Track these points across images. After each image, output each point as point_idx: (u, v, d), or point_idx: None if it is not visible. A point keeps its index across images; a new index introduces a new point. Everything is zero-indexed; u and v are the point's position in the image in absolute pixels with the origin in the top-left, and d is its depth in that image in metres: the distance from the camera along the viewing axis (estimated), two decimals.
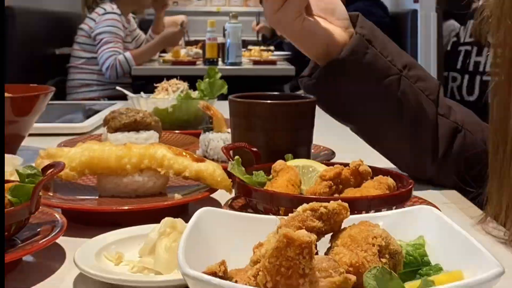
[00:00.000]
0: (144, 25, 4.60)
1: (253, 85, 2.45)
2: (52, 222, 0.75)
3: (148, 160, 0.92)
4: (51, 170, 0.73)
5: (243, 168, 0.83)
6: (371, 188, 0.78)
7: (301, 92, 1.15)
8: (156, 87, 1.67)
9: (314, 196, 0.76)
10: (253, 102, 1.00)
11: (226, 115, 1.19)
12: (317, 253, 0.54)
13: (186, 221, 0.69)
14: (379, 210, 0.72)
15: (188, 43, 5.05)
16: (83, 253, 0.68)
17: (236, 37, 3.85)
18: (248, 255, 0.55)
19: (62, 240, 0.77)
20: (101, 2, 3.86)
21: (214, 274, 0.49)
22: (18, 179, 0.74)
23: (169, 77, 1.71)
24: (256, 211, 0.80)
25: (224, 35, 4.10)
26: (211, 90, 1.57)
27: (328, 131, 1.27)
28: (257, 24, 5.43)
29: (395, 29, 3.45)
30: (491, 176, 0.83)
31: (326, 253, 0.57)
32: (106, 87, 3.79)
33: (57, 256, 0.75)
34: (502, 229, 0.82)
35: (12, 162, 0.97)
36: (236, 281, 0.50)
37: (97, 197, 0.94)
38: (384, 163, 1.09)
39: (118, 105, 2.02)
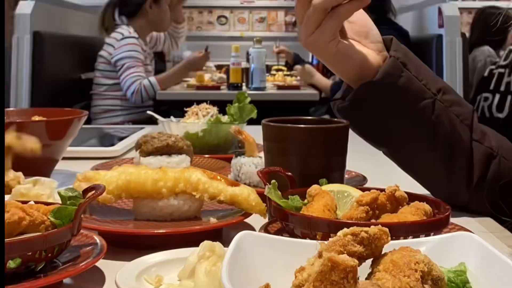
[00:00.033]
0: None
1: (278, 109, 2.46)
2: (91, 244, 0.76)
3: (183, 184, 0.93)
4: (92, 192, 0.74)
5: (280, 193, 0.84)
6: (408, 214, 0.78)
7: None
8: (186, 112, 1.68)
9: (352, 221, 0.76)
10: (288, 126, 1.01)
11: (256, 139, 1.20)
12: (358, 279, 0.54)
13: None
14: (417, 236, 0.72)
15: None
16: (124, 275, 0.68)
17: (260, 62, 3.87)
18: (289, 279, 0.55)
19: (100, 263, 0.77)
20: (117, 26, 3.82)
21: None
22: (56, 202, 0.75)
23: (197, 102, 1.72)
24: (293, 235, 0.80)
25: (247, 60, 4.13)
26: (240, 115, 1.58)
27: (358, 156, 1.27)
28: (276, 47, 5.43)
29: (419, 54, 3.44)
30: None
31: (367, 278, 0.57)
32: (130, 112, 3.81)
33: (96, 278, 0.76)
34: None
35: (49, 185, 0.98)
36: None
37: (133, 220, 0.95)
38: (415, 189, 1.08)
39: (147, 129, 2.03)
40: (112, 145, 1.71)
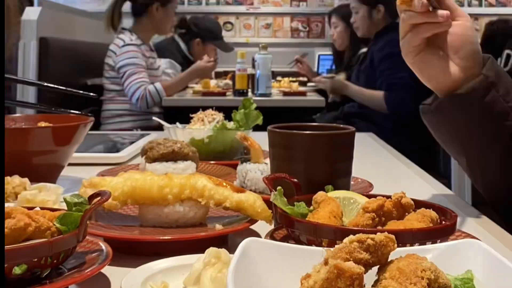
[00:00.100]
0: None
1: (283, 116, 2.46)
2: (97, 251, 0.76)
3: (189, 190, 0.93)
4: (97, 199, 0.74)
5: (285, 199, 0.84)
6: (414, 220, 0.78)
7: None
8: (191, 118, 1.68)
9: (358, 228, 0.76)
10: (294, 133, 1.01)
11: (262, 145, 1.20)
12: (364, 286, 0.54)
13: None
14: (424, 243, 0.72)
15: (217, 75, 5.09)
16: (130, 282, 0.68)
17: (266, 68, 3.87)
18: (295, 286, 0.55)
19: (106, 269, 0.77)
20: (122, 30, 3.85)
21: None
22: (62, 208, 0.75)
23: (203, 108, 1.73)
24: (298, 242, 0.80)
25: (253, 66, 4.13)
26: (246, 121, 1.58)
27: (364, 162, 1.27)
28: (302, 57, 5.34)
29: None
30: None
31: (373, 286, 0.56)
32: (138, 118, 3.82)
33: (101, 285, 0.76)
34: None
35: (55, 191, 0.98)
36: None
37: (138, 227, 0.95)
38: (422, 195, 1.08)
39: (153, 135, 2.04)
40: (118, 151, 1.71)
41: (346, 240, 0.57)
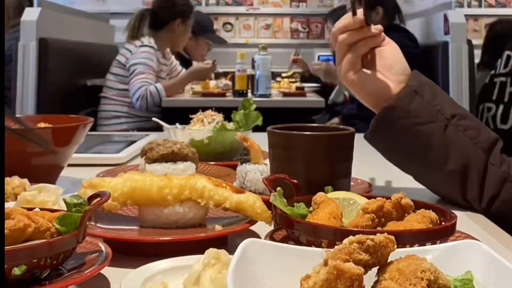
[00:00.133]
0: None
1: (283, 116, 2.47)
2: (96, 251, 0.76)
3: (188, 191, 0.93)
4: (97, 199, 0.74)
5: (285, 200, 0.84)
6: (414, 221, 0.78)
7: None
8: (191, 118, 1.68)
9: (358, 229, 0.76)
10: (293, 133, 1.01)
11: (262, 146, 1.20)
12: (363, 287, 0.54)
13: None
14: (423, 244, 0.72)
15: (217, 75, 5.09)
16: (129, 283, 0.68)
17: (266, 69, 3.87)
18: (294, 287, 0.55)
19: (105, 270, 0.77)
20: (141, 36, 3.90)
21: None
22: (62, 209, 0.75)
23: (202, 109, 1.72)
24: (298, 243, 0.80)
25: (253, 67, 4.13)
26: (246, 122, 1.58)
27: (363, 163, 1.27)
28: (295, 55, 5.37)
29: (425, 61, 3.45)
30: None
31: (373, 287, 0.57)
32: (135, 120, 3.83)
33: (101, 286, 0.76)
34: None
35: (55, 192, 0.98)
36: None
37: (138, 228, 0.95)
38: (421, 196, 1.08)
39: (152, 136, 2.04)
40: (118, 152, 1.70)
41: (345, 241, 0.57)
